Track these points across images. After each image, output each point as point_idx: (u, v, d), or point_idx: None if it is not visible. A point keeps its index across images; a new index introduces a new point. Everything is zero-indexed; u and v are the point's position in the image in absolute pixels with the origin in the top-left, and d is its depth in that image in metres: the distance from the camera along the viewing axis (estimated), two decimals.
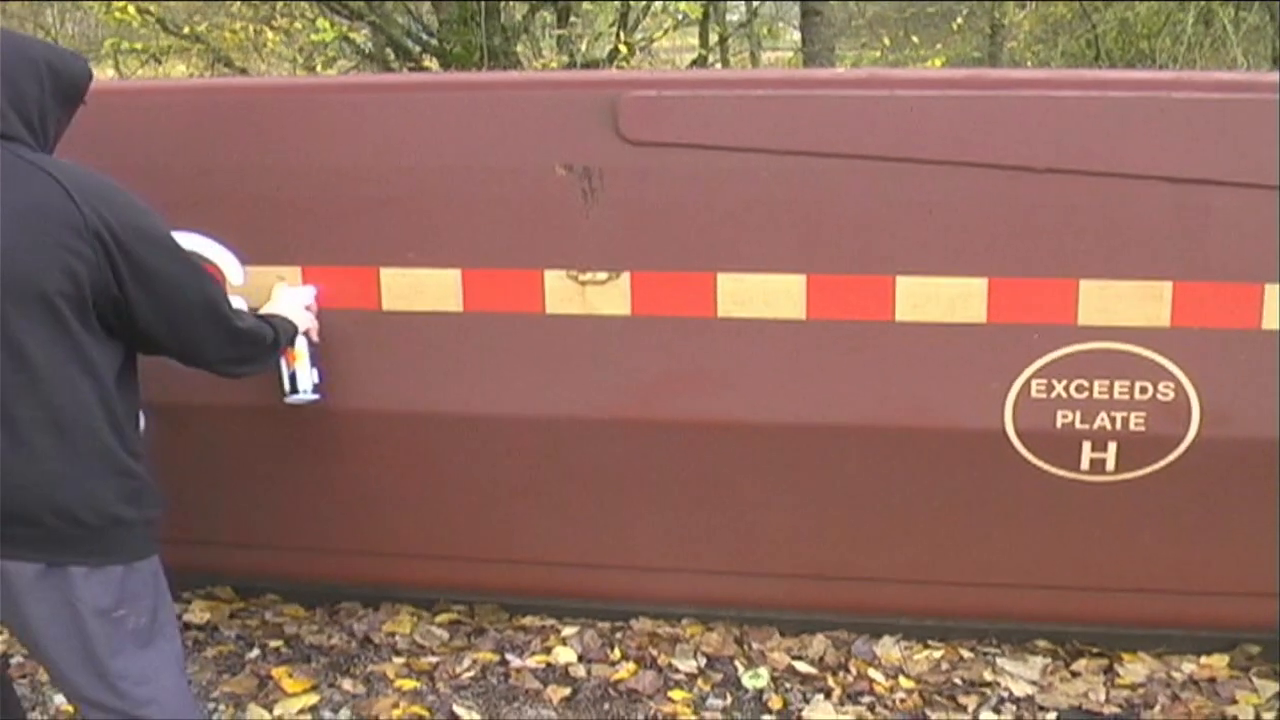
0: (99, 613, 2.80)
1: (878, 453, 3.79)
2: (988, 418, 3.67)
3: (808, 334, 3.69)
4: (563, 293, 3.76)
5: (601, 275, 3.73)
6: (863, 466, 3.82)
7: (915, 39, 17.83)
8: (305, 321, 3.69)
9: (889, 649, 4.19)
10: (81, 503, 2.72)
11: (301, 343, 3.70)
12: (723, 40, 16.32)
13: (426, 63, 12.73)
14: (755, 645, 4.25)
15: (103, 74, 15.17)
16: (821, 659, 4.17)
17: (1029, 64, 17.31)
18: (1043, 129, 3.51)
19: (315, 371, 3.76)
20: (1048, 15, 17.78)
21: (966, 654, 4.16)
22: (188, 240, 3.76)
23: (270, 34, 13.37)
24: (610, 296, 3.75)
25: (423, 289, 3.82)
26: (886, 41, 17.77)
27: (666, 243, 3.70)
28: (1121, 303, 3.54)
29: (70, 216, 2.63)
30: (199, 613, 4.60)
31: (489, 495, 4.11)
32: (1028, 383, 3.63)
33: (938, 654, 4.16)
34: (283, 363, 3.72)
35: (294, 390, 3.76)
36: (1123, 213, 3.51)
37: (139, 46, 13.67)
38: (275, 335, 3.33)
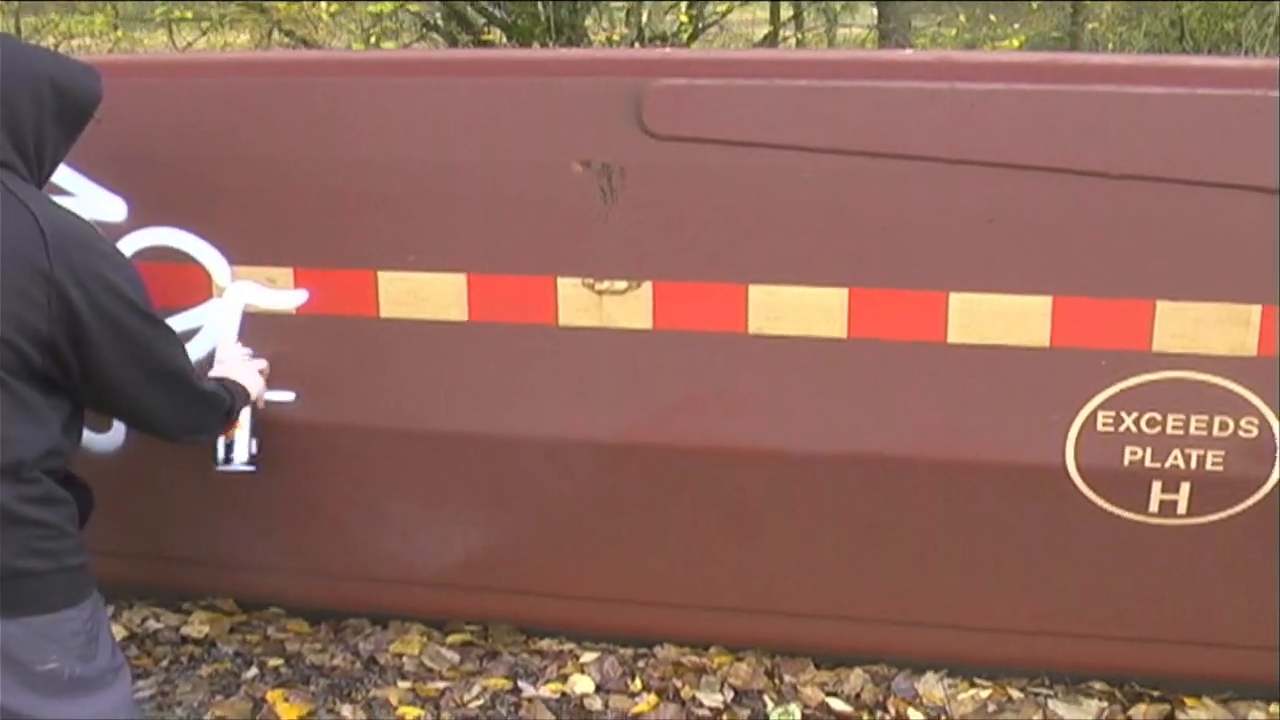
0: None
1: (923, 487, 3.53)
2: (1047, 452, 3.39)
3: (848, 354, 3.42)
4: (578, 303, 3.52)
5: (620, 284, 3.48)
6: (906, 502, 3.56)
7: (993, 17, 17.42)
8: (257, 388, 3.52)
9: (932, 686, 3.91)
10: None
11: (245, 410, 3.49)
12: (797, 16, 16.10)
13: (489, 35, 12.54)
14: (788, 678, 3.98)
15: (156, 42, 15.11)
16: (858, 696, 3.90)
17: (1110, 46, 16.84)
18: (1119, 129, 3.20)
19: (254, 441, 3.53)
20: None
21: (1016, 694, 3.88)
22: (168, 237, 3.58)
23: (324, 4, 13.11)
24: (630, 308, 3.49)
25: (424, 295, 3.58)
26: (963, 19, 17.41)
27: (693, 250, 3.44)
28: (1202, 328, 3.24)
29: (37, 262, 2.54)
30: (198, 625, 4.37)
31: (494, 521, 3.89)
32: (1093, 414, 3.34)
33: (985, 693, 3.88)
34: None
35: (228, 460, 3.54)
36: (1207, 227, 3.20)
37: (188, 15, 13.50)
38: (231, 403, 3.24)
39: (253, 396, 3.45)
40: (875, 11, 15.48)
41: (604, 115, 3.38)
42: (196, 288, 3.68)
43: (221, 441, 3.50)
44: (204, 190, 3.64)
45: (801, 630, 3.92)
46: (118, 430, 3.82)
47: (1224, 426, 3.29)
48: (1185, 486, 3.36)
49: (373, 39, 13.49)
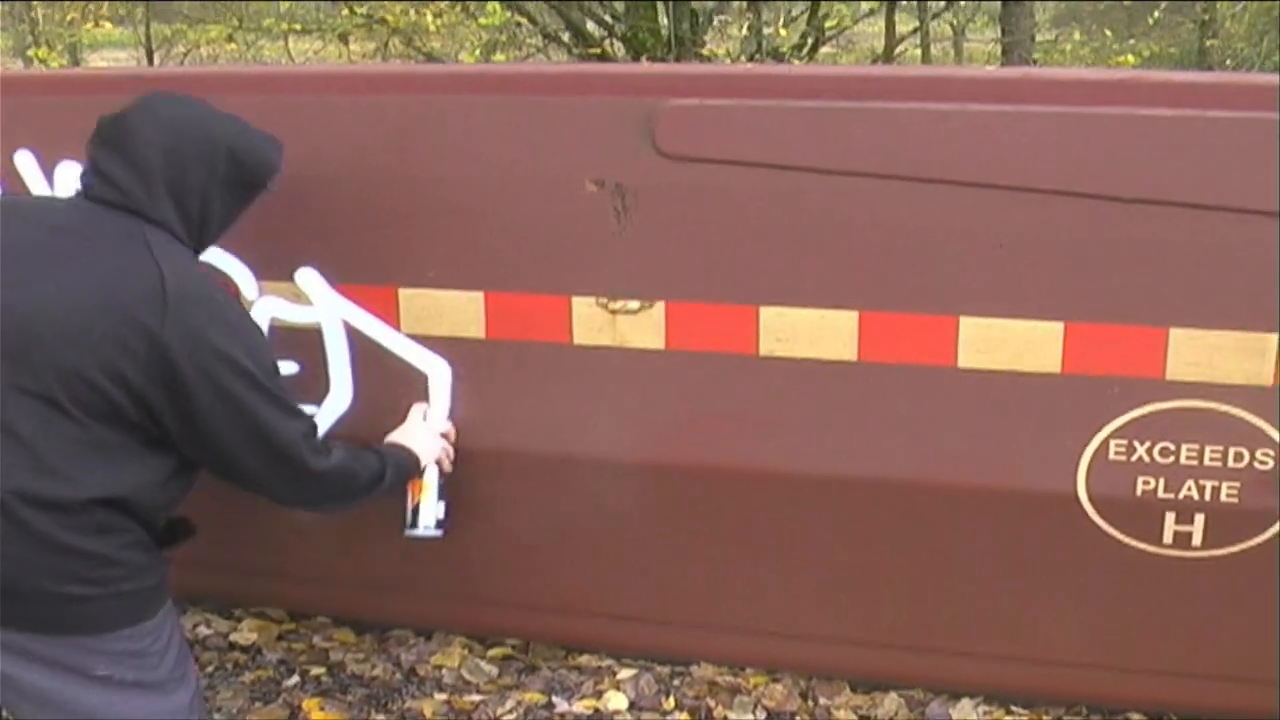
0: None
1: (931, 513, 3.50)
2: (1058, 480, 3.34)
3: (858, 378, 3.40)
4: (592, 322, 3.53)
5: (634, 304, 3.49)
6: (914, 527, 3.53)
7: (1109, 32, 17.08)
8: (435, 451, 3.59)
9: (967, 713, 3.88)
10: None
11: (431, 473, 3.59)
12: (922, 28, 15.94)
13: (608, 49, 12.54)
14: (822, 700, 3.97)
15: (272, 55, 15.31)
16: None
17: (1229, 64, 16.42)
18: (1131, 152, 3.15)
19: (442, 505, 3.63)
20: (1269, 9, 16.69)
21: None
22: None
23: (431, 17, 13.20)
24: (643, 328, 3.50)
25: (443, 312, 3.62)
26: (1077, 36, 17.12)
27: (705, 270, 3.44)
28: (1217, 356, 3.18)
29: (145, 318, 2.62)
30: (246, 633, 4.48)
31: (506, 538, 3.92)
32: (1105, 443, 3.29)
33: None
34: (408, 492, 3.60)
35: (413, 525, 3.63)
36: (1224, 253, 3.14)
37: (297, 27, 13.71)
38: (381, 474, 3.27)
39: (423, 464, 3.53)
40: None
41: (617, 134, 3.38)
42: None
43: (409, 505, 3.61)
44: None
45: (811, 655, 3.91)
46: None
47: (1239, 458, 3.23)
48: (1200, 518, 3.30)
49: (487, 52, 13.53)
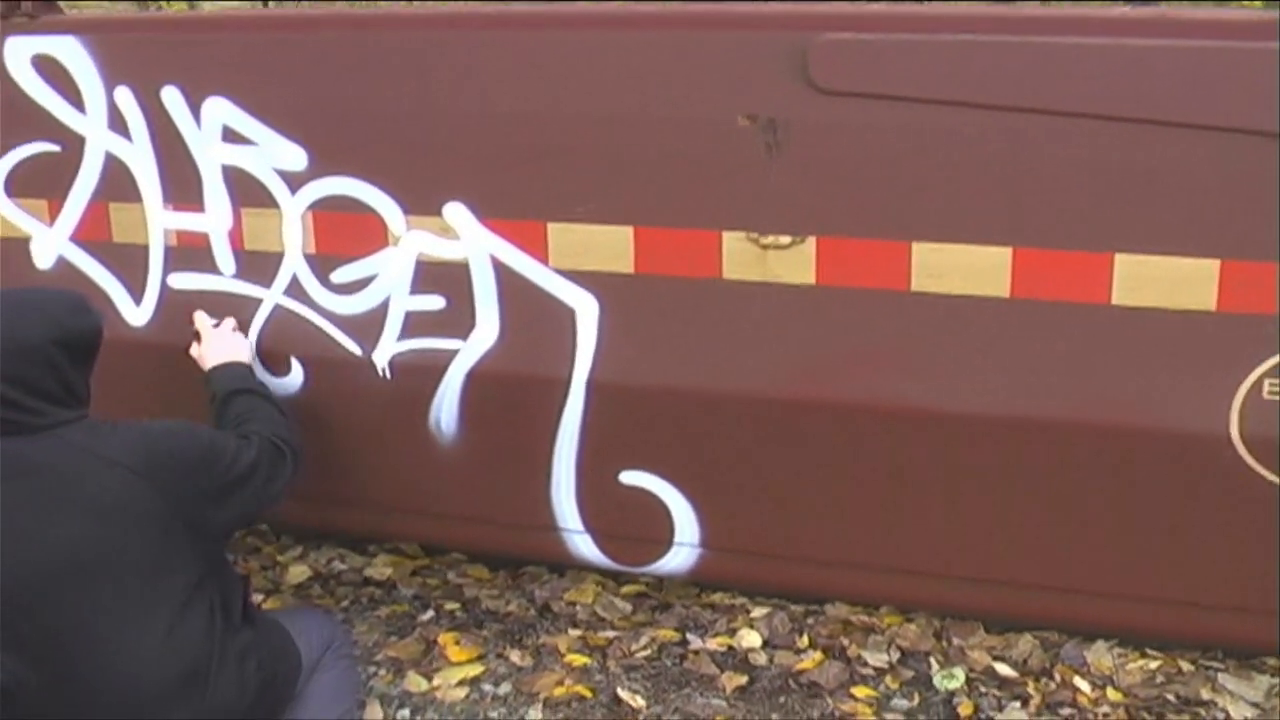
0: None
1: (1077, 453, 3.52)
2: (1210, 420, 3.36)
3: (1010, 315, 3.44)
4: (742, 257, 3.59)
5: (785, 239, 3.54)
6: (1062, 467, 3.56)
7: None
8: (249, 347, 3.98)
9: (1101, 655, 3.95)
10: None
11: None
12: None
13: None
14: (955, 640, 4.05)
15: None
16: (1025, 661, 3.96)
17: None
18: None
19: None
20: None
21: (1186, 667, 3.89)
22: (346, 186, 3.82)
23: None
24: (793, 263, 3.55)
25: (592, 247, 3.68)
26: None
27: (857, 206, 3.49)
28: None
29: (137, 490, 3.03)
30: (380, 568, 4.62)
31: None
32: (1259, 382, 3.31)
33: (1154, 665, 3.91)
34: None
35: None
36: None
37: None
38: (266, 395, 3.78)
39: (247, 359, 3.90)
40: None
41: (770, 69, 3.43)
42: (373, 237, 3.85)
43: None
44: (380, 141, 3.80)
45: (955, 595, 3.95)
46: (296, 373, 4.06)
47: None
48: None
49: None
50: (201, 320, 3.96)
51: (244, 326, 4.02)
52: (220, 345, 3.87)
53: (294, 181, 3.86)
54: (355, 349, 3.95)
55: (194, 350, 3.91)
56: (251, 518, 3.78)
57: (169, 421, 3.20)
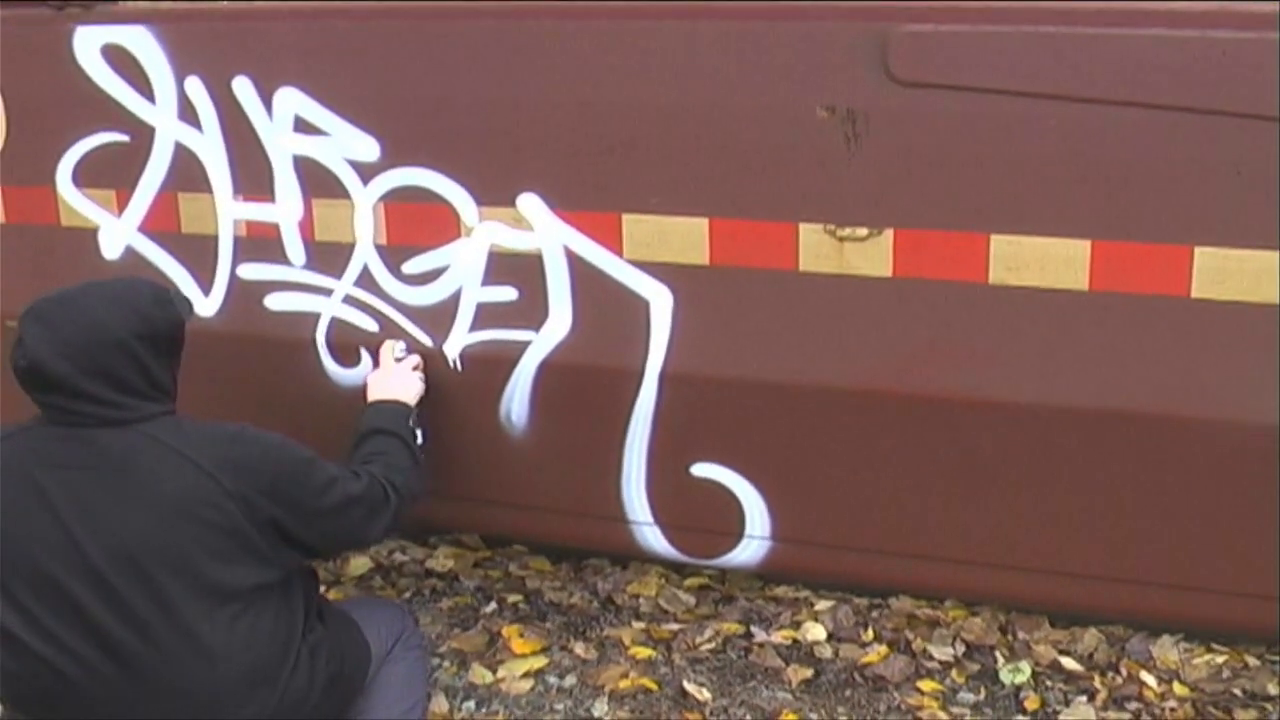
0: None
1: (1159, 445, 3.52)
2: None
3: (1089, 308, 3.44)
4: (818, 249, 3.60)
5: (862, 231, 3.55)
6: (1138, 459, 3.56)
7: None
8: (418, 388, 3.91)
9: (1166, 650, 3.96)
10: None
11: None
12: None
13: None
14: (1021, 635, 4.06)
15: None
16: (1091, 656, 3.97)
17: None
18: None
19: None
20: None
21: (1253, 661, 3.91)
22: (418, 176, 3.83)
23: None
24: (870, 255, 3.56)
25: (667, 238, 3.70)
26: None
27: (936, 197, 3.49)
28: None
29: (213, 495, 3.00)
30: (442, 560, 4.65)
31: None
32: None
33: (1220, 659, 3.92)
34: None
35: None
36: None
37: None
38: (407, 441, 3.67)
39: (413, 405, 3.80)
40: None
41: (850, 61, 3.44)
42: (445, 227, 3.87)
43: None
44: (453, 131, 3.82)
45: (1029, 587, 3.94)
46: (365, 364, 4.08)
47: None
48: None
49: None
50: (386, 351, 3.96)
51: (313, 318, 4.05)
52: (390, 382, 3.86)
53: (366, 172, 3.88)
54: (426, 340, 3.96)
55: (368, 376, 3.94)
56: (344, 549, 3.92)
57: (265, 433, 3.17)
